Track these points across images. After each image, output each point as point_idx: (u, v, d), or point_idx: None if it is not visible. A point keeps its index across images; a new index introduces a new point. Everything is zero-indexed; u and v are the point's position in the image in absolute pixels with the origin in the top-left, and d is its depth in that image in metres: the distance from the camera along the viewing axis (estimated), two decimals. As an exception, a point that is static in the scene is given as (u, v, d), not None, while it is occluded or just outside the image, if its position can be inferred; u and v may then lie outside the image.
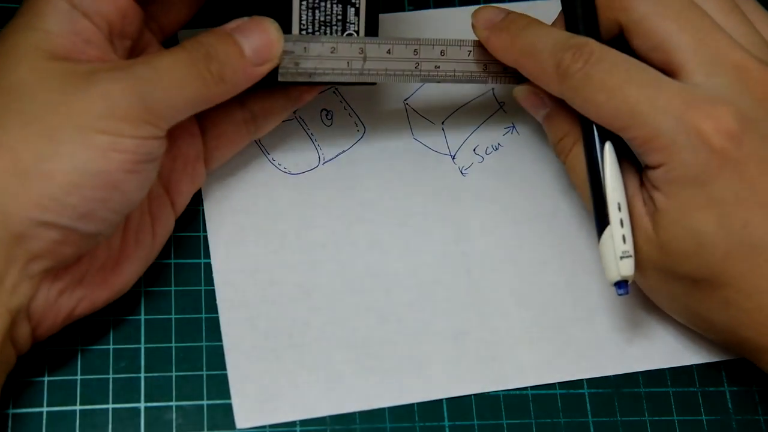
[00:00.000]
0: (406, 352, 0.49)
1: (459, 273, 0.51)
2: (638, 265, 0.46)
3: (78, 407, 0.46)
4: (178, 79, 0.43)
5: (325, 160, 0.53)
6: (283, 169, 0.52)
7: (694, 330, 0.50)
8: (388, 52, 0.49)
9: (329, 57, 0.48)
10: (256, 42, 0.45)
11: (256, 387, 0.48)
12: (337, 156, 0.53)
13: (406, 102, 0.54)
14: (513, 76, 0.50)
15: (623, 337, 0.51)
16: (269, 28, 0.45)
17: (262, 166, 0.52)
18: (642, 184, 0.47)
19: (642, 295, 0.50)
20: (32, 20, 0.43)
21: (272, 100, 0.50)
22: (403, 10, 0.56)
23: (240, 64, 0.45)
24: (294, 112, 0.53)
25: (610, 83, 0.45)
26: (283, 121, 0.52)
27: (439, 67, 0.49)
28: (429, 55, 0.49)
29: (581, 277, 0.52)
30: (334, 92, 0.54)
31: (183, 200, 0.48)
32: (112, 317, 0.47)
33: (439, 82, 0.50)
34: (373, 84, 0.50)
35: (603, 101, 0.45)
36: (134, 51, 0.46)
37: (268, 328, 0.49)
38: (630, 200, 0.47)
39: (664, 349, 0.51)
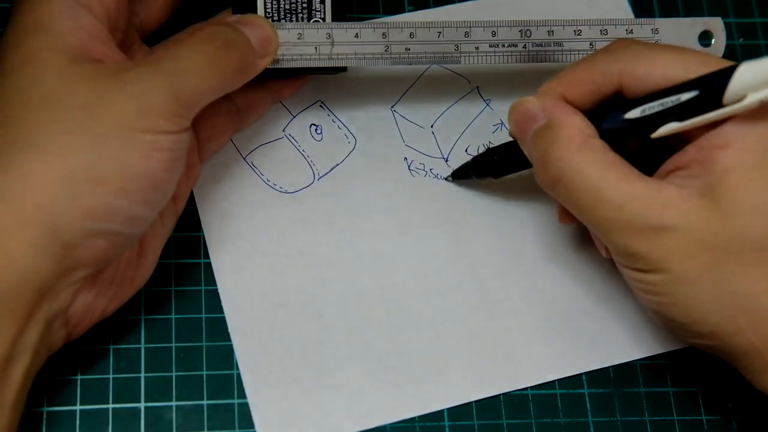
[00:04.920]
0: (423, 360, 0.49)
1: (466, 275, 0.51)
2: (683, 253, 0.43)
3: (78, 407, 0.46)
4: (202, 69, 0.43)
5: (320, 175, 0.52)
6: (279, 189, 0.52)
7: (721, 334, 0.44)
8: (356, 36, 0.49)
9: (296, 43, 0.48)
10: (258, 35, 0.46)
11: (278, 412, 0.47)
12: (331, 170, 0.52)
13: (393, 109, 0.54)
14: (486, 55, 0.50)
15: (637, 322, 0.51)
16: (264, 24, 0.47)
17: (258, 188, 0.51)
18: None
19: None
20: (40, 21, 0.42)
21: (254, 93, 0.50)
22: (403, 10, 0.56)
23: (251, 54, 0.45)
24: (283, 130, 0.53)
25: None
26: (274, 141, 0.52)
27: (409, 50, 0.49)
28: (398, 38, 0.49)
29: (587, 267, 0.52)
30: (321, 106, 0.53)
31: (184, 193, 0.48)
32: (112, 317, 0.47)
33: (410, 64, 0.49)
34: (344, 70, 0.50)
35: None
36: (122, 46, 0.46)
37: (282, 352, 0.48)
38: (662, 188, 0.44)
39: None
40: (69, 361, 0.47)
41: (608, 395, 0.50)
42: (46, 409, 0.46)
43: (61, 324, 0.43)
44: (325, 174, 0.52)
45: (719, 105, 0.42)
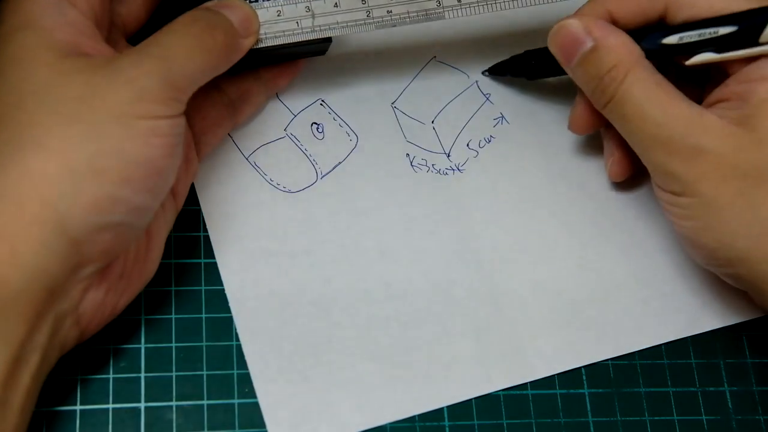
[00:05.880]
0: (431, 355, 0.49)
1: (471, 269, 0.51)
2: (717, 177, 0.45)
3: (78, 407, 0.46)
4: (189, 51, 0.43)
5: (323, 174, 0.52)
6: (283, 189, 0.51)
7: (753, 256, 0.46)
8: (336, 5, 0.48)
9: (277, 20, 0.48)
10: (238, 15, 0.46)
11: (289, 411, 0.47)
12: (333, 168, 0.52)
13: (393, 105, 0.54)
14: (469, 6, 0.49)
15: (641, 312, 0.51)
16: (242, 5, 0.47)
17: (261, 189, 0.51)
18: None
19: (654, 267, 0.51)
20: (27, 19, 0.42)
21: (245, 83, 0.50)
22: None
23: (234, 34, 0.46)
24: (284, 130, 0.52)
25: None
26: (276, 140, 0.52)
27: (391, 12, 0.49)
28: (379, 1, 0.49)
29: (591, 258, 0.52)
30: (321, 104, 0.53)
31: (183, 190, 0.48)
32: (112, 317, 0.47)
33: (393, 26, 0.49)
34: (329, 41, 0.49)
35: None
36: (108, 44, 0.45)
37: (292, 351, 0.48)
38: (703, 113, 0.46)
39: (683, 318, 0.51)
40: (69, 361, 0.46)
41: (608, 395, 0.50)
42: (46, 409, 0.46)
43: (73, 322, 0.43)
44: (328, 172, 0.52)
45: (756, 43, 0.45)
